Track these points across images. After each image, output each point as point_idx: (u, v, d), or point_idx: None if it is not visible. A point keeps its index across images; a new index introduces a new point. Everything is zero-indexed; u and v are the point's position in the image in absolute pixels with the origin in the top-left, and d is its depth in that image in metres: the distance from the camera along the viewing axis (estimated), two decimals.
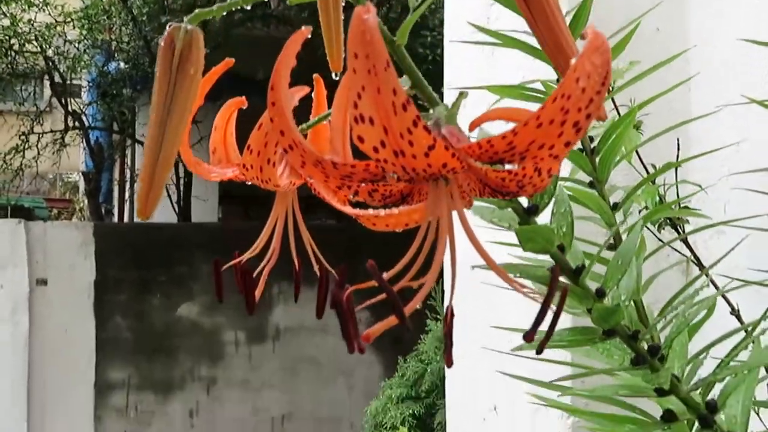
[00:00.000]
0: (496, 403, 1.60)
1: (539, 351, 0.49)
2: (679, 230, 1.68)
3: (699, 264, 1.64)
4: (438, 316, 2.79)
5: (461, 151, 0.50)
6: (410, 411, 2.85)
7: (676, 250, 1.74)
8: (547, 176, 0.52)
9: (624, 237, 1.23)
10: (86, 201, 7.40)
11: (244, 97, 0.75)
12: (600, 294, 0.70)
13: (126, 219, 7.76)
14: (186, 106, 0.57)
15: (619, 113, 1.62)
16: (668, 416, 0.71)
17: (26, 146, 6.54)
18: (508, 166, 0.53)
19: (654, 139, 1.51)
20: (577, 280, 0.68)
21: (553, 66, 0.68)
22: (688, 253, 1.71)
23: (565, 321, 0.76)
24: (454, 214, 0.56)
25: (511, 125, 0.51)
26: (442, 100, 1.84)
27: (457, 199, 0.53)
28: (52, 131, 6.92)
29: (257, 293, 0.72)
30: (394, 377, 3.05)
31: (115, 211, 8.06)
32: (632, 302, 0.76)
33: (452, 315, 0.57)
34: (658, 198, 1.66)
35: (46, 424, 5.12)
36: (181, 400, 5.52)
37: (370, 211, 0.63)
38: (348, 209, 0.65)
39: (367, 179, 0.51)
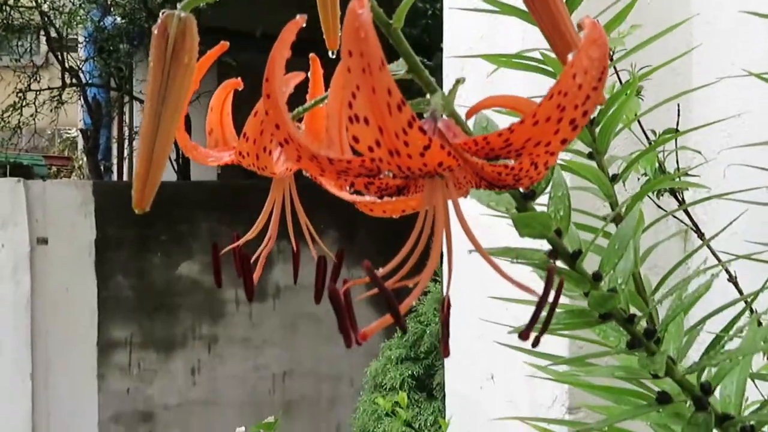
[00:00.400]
0: (494, 371, 1.62)
1: (535, 344, 0.50)
2: (678, 198, 1.68)
3: (698, 231, 1.65)
4: (438, 278, 2.80)
5: (457, 147, 0.50)
6: (409, 372, 2.88)
7: (675, 217, 1.74)
8: (543, 169, 0.52)
9: (623, 210, 1.23)
10: (85, 158, 7.38)
11: (239, 79, 0.74)
12: (597, 278, 0.70)
13: (125, 177, 7.75)
14: (181, 95, 0.57)
15: (620, 79, 1.60)
16: (663, 398, 0.72)
17: (24, 103, 6.50)
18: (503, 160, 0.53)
19: (656, 108, 1.50)
20: (574, 265, 0.69)
21: (552, 49, 0.67)
22: (687, 219, 1.71)
23: (563, 303, 0.76)
24: (450, 204, 0.56)
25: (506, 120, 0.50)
26: (441, 69, 1.84)
27: (453, 191, 0.52)
28: (49, 88, 6.86)
29: (255, 277, 0.72)
30: (393, 338, 3.08)
31: (115, 168, 8.04)
32: (630, 281, 0.76)
33: (449, 305, 0.57)
34: (657, 165, 1.65)
35: (50, 382, 5.19)
36: (182, 358, 5.58)
37: (367, 197, 0.63)
38: (345, 195, 0.65)
39: (362, 174, 0.50)
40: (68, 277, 5.35)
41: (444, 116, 0.52)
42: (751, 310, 1.34)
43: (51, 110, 6.68)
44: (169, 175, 6.63)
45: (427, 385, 2.93)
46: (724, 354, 0.69)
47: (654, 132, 1.66)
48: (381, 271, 0.51)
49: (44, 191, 5.34)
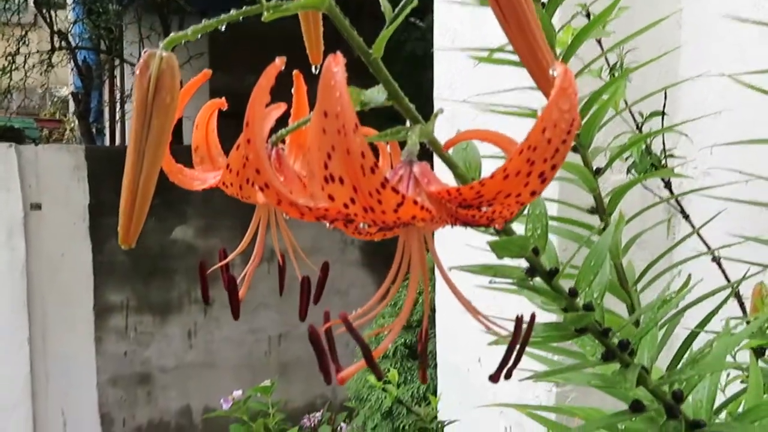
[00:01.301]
0: (480, 355, 1.65)
1: (507, 377, 0.52)
2: (664, 180, 1.70)
3: (683, 213, 1.66)
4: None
5: (432, 195, 0.51)
6: (402, 340, 2.92)
7: (660, 198, 1.76)
8: (516, 212, 0.54)
9: (606, 202, 1.25)
10: (77, 121, 7.33)
11: (224, 99, 0.75)
12: (573, 294, 0.72)
13: (118, 140, 7.72)
14: (163, 133, 0.58)
15: (608, 62, 1.61)
16: (636, 406, 0.75)
17: (13, 67, 6.44)
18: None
19: (645, 97, 1.51)
20: (551, 282, 0.71)
21: (530, 74, 0.68)
22: (674, 201, 1.73)
23: (541, 317, 0.79)
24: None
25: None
26: (432, 65, 1.83)
27: (428, 234, 0.54)
28: (38, 52, 6.79)
29: (241, 295, 0.74)
30: (386, 307, 3.12)
31: (107, 131, 8.00)
32: (607, 287, 0.78)
33: (427, 336, 0.59)
34: (644, 147, 1.66)
35: (48, 347, 5.25)
36: (178, 321, 5.64)
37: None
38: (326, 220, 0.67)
39: (340, 219, 0.52)
40: (63, 243, 5.37)
41: (416, 161, 0.54)
42: (739, 298, 1.37)
43: (41, 74, 6.62)
44: None
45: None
46: (693, 369, 0.72)
47: (642, 114, 1.67)
48: (359, 311, 0.53)
49: (36, 156, 5.33)
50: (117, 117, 7.56)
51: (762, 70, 1.12)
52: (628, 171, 1.64)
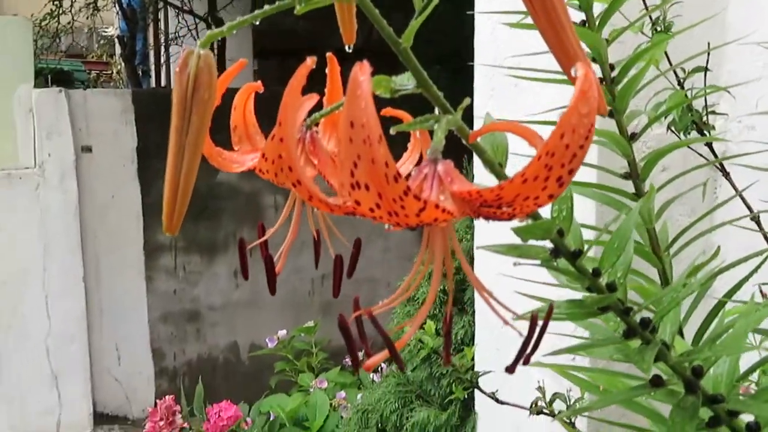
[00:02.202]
0: (517, 309, 1.68)
1: (511, 371, 0.55)
2: (705, 134, 1.68)
3: (723, 170, 1.65)
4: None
5: (455, 194, 0.54)
6: (441, 286, 2.97)
7: (701, 155, 1.75)
8: (539, 206, 0.56)
9: (641, 167, 1.25)
10: (123, 64, 7.42)
11: (260, 83, 0.78)
12: (596, 274, 0.75)
13: (163, 82, 7.80)
14: (202, 128, 0.61)
15: (650, 17, 1.58)
16: (656, 381, 0.78)
17: (60, 11, 6.52)
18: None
19: (688, 60, 1.48)
20: (575, 263, 0.73)
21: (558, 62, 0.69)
22: (712, 158, 1.71)
23: (565, 294, 0.82)
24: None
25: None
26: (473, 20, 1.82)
27: (451, 228, 0.57)
28: None
29: (278, 269, 0.78)
30: (426, 253, 3.16)
31: (153, 73, 8.08)
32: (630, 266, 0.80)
33: (451, 322, 0.63)
34: (685, 106, 1.64)
35: (101, 286, 5.45)
36: (225, 261, 5.78)
37: None
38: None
39: (368, 216, 0.55)
40: (113, 184, 5.51)
41: (440, 159, 0.56)
42: None
43: (87, 17, 6.69)
44: None
45: (458, 299, 3.03)
46: (711, 350, 0.74)
47: (684, 70, 1.65)
48: (385, 302, 0.57)
49: (85, 100, 5.44)
50: (162, 60, 7.64)
51: None
52: (668, 128, 1.63)
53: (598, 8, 1.21)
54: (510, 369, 0.54)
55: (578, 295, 0.79)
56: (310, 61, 0.59)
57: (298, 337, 4.58)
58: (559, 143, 0.50)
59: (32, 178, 5.13)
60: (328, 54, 0.80)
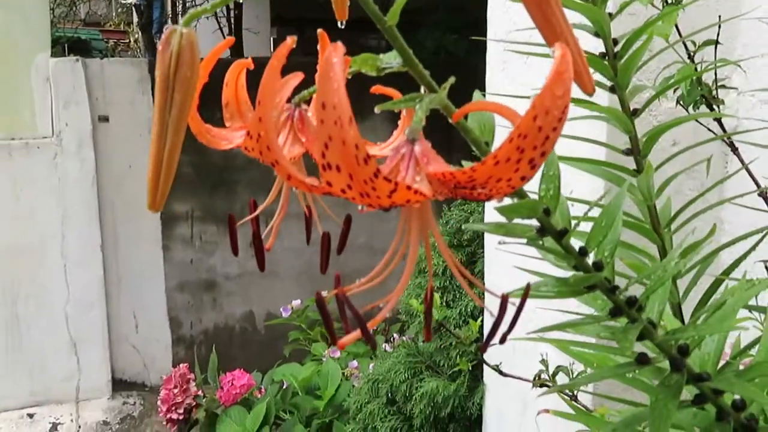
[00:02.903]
0: (524, 282, 1.68)
1: (483, 351, 0.56)
2: (715, 110, 1.66)
3: (732, 146, 1.63)
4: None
5: (430, 175, 0.54)
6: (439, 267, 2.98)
7: (711, 131, 1.73)
8: (512, 188, 0.56)
9: (642, 142, 1.24)
10: (140, 33, 7.43)
11: (250, 59, 0.78)
12: (583, 253, 0.75)
13: None
14: (185, 106, 0.62)
15: None
16: (642, 359, 0.78)
17: None
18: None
19: (699, 32, 1.46)
20: (561, 242, 0.73)
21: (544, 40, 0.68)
22: (721, 131, 1.69)
23: (553, 271, 0.82)
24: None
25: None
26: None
27: (426, 207, 0.57)
28: None
29: (268, 246, 0.79)
30: (439, 225, 3.17)
31: None
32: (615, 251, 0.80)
33: (431, 298, 0.63)
34: (695, 79, 1.62)
35: (119, 253, 5.51)
36: (241, 231, 5.73)
37: None
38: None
39: (341, 197, 0.56)
40: (130, 154, 5.54)
41: (418, 140, 0.56)
42: None
43: None
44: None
45: (470, 270, 3.04)
46: (695, 330, 0.74)
47: (694, 43, 1.63)
48: (362, 281, 0.57)
49: (102, 70, 5.46)
50: None
51: None
52: (677, 102, 1.61)
53: None
54: (482, 348, 0.55)
55: (567, 273, 0.79)
56: (290, 41, 0.59)
57: (312, 307, 4.62)
58: (531, 125, 0.50)
59: (50, 147, 5.17)
60: (320, 31, 0.80)
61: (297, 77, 0.71)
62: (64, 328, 5.29)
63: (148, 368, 5.79)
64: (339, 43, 0.51)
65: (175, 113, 0.61)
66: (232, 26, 6.49)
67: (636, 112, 1.20)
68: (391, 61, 0.68)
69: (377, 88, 0.77)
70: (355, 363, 3.86)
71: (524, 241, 0.81)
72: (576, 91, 1.32)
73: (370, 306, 0.57)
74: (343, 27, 0.83)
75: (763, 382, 0.74)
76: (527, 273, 0.92)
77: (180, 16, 7.57)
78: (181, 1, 7.59)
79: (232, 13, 6.43)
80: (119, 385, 5.65)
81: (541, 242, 0.74)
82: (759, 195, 1.48)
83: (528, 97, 0.99)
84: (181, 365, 3.69)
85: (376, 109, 0.65)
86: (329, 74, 0.49)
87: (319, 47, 0.82)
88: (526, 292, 0.58)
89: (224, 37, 6.78)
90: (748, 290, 0.82)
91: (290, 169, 0.55)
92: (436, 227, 0.58)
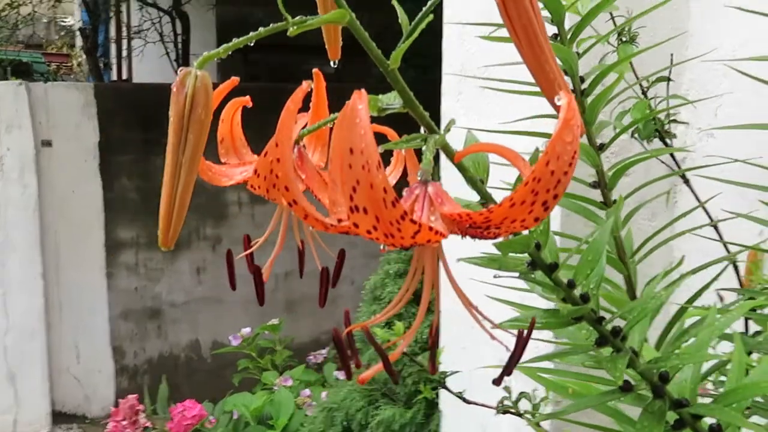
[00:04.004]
0: (483, 308, 1.72)
1: (498, 383, 0.58)
2: (667, 143, 1.74)
3: (684, 177, 1.70)
4: None
5: (445, 215, 0.57)
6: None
7: (665, 164, 1.80)
8: (525, 228, 0.59)
9: (608, 176, 1.30)
10: (84, 57, 7.31)
11: (248, 97, 0.80)
12: (571, 286, 0.78)
13: (125, 76, 7.71)
14: (199, 146, 0.63)
15: (614, 22, 1.63)
16: (626, 386, 0.82)
17: (21, 2, 6.40)
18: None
19: (654, 73, 1.53)
20: (551, 276, 0.77)
21: (538, 85, 0.72)
22: (675, 165, 1.77)
23: (541, 303, 0.85)
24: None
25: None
26: (441, 37, 1.86)
27: (440, 247, 0.60)
28: None
29: (264, 278, 0.80)
30: (392, 252, 3.19)
31: (114, 66, 7.98)
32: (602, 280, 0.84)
33: (437, 334, 0.66)
34: (648, 111, 1.69)
35: (61, 281, 5.38)
36: (188, 258, 5.74)
37: None
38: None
39: (365, 237, 0.58)
40: (74, 179, 5.44)
41: (430, 181, 0.59)
42: (736, 269, 1.43)
43: (48, 9, 6.58)
44: (169, 75, 6.60)
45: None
46: (678, 359, 0.78)
47: (648, 80, 1.70)
48: (377, 317, 0.59)
49: (46, 94, 5.36)
50: (124, 54, 7.54)
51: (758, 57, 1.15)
52: (632, 135, 1.68)
53: (568, 21, 1.24)
54: (497, 381, 0.57)
55: (543, 302, 0.83)
56: (306, 85, 0.61)
57: (262, 335, 4.58)
58: (545, 170, 0.53)
59: None
60: (315, 70, 0.82)
61: (304, 117, 0.73)
62: (2, 359, 5.12)
63: (90, 400, 5.63)
64: (363, 91, 0.53)
65: (188, 153, 0.62)
66: (180, 51, 6.46)
67: (602, 147, 1.26)
68: (392, 102, 0.71)
69: (373, 127, 0.79)
70: (307, 391, 3.84)
71: (498, 277, 0.84)
72: (544, 126, 1.36)
73: (391, 342, 0.59)
74: (335, 66, 0.85)
75: (740, 407, 0.78)
76: (492, 302, 0.95)
77: (125, 41, 7.49)
78: (126, 26, 7.51)
79: (179, 38, 6.40)
80: (59, 418, 5.48)
81: (533, 275, 0.77)
82: (711, 225, 1.55)
83: (494, 131, 1.03)
84: (129, 396, 3.61)
85: (380, 149, 0.68)
86: (355, 120, 0.52)
87: (313, 85, 0.84)
88: (531, 325, 0.61)
89: (171, 62, 6.72)
90: (719, 322, 0.87)
91: (309, 208, 0.57)
92: (446, 261, 0.60)
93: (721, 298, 1.47)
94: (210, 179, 0.76)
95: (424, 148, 0.64)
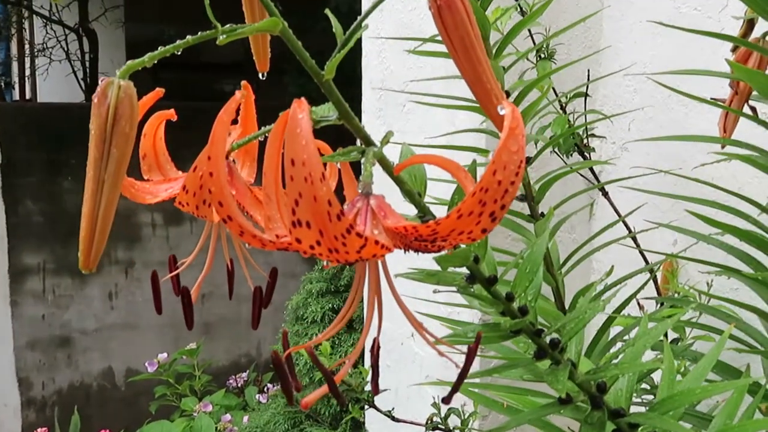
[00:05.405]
0: (414, 330, 1.71)
1: (447, 401, 0.57)
2: (587, 157, 1.78)
3: (604, 193, 1.74)
4: None
5: (390, 229, 0.55)
6: (330, 305, 2.97)
7: (582, 176, 1.85)
8: (472, 240, 0.58)
9: (536, 189, 1.31)
10: None
11: (173, 110, 0.76)
12: (510, 298, 0.77)
13: (28, 95, 7.39)
14: (123, 162, 0.59)
15: (533, 40, 1.66)
16: (564, 399, 0.81)
17: None
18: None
19: (573, 91, 1.56)
20: (490, 289, 0.76)
21: (476, 98, 0.71)
22: (594, 179, 1.81)
23: (468, 318, 0.84)
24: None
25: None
26: (361, 51, 1.85)
27: (383, 261, 0.58)
28: None
29: (193, 300, 0.76)
30: (314, 272, 3.16)
31: (17, 86, 7.65)
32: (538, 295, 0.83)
33: (378, 348, 0.63)
34: (567, 126, 1.73)
35: None
36: (99, 283, 5.53)
37: None
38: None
39: (307, 253, 0.55)
40: None
41: (372, 194, 0.57)
42: (655, 281, 1.47)
43: None
44: (76, 95, 6.37)
45: (351, 316, 3.04)
46: (617, 368, 0.78)
47: (566, 95, 1.74)
48: (319, 336, 0.56)
49: None
50: (27, 73, 7.23)
51: (677, 71, 1.18)
52: (552, 149, 1.71)
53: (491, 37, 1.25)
54: (446, 399, 0.55)
55: (469, 316, 0.82)
56: (239, 95, 0.58)
57: (180, 360, 4.44)
58: (492, 179, 0.52)
59: None
60: (243, 82, 0.79)
61: (235, 130, 0.70)
62: None
63: None
64: (303, 99, 0.51)
65: (111, 169, 0.58)
66: (88, 69, 6.24)
67: (529, 161, 1.27)
68: (327, 114, 0.68)
69: None
70: (228, 416, 3.73)
71: (438, 292, 0.83)
72: (471, 141, 1.36)
73: (336, 363, 0.56)
74: (263, 78, 0.83)
75: (676, 414, 0.79)
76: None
77: (28, 58, 7.19)
78: (29, 43, 7.22)
79: (86, 57, 6.19)
80: None
81: (471, 289, 0.76)
82: (630, 237, 1.59)
83: (419, 145, 1.02)
84: (38, 430, 3.42)
85: None
86: (296, 131, 0.49)
87: (243, 97, 0.81)
88: (477, 340, 0.60)
89: (78, 81, 6.49)
90: (656, 329, 0.88)
91: (245, 224, 0.54)
92: (391, 279, 0.58)
93: (641, 307, 1.50)
94: (133, 197, 0.72)
95: (363, 160, 0.62)
